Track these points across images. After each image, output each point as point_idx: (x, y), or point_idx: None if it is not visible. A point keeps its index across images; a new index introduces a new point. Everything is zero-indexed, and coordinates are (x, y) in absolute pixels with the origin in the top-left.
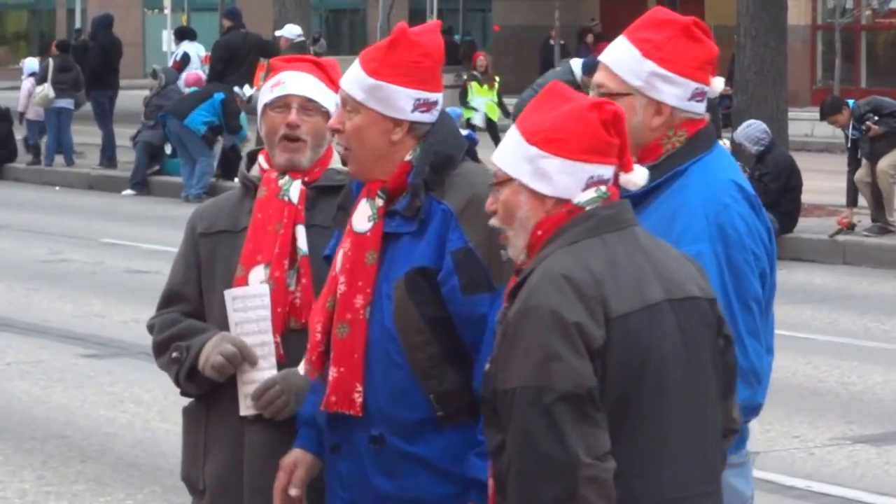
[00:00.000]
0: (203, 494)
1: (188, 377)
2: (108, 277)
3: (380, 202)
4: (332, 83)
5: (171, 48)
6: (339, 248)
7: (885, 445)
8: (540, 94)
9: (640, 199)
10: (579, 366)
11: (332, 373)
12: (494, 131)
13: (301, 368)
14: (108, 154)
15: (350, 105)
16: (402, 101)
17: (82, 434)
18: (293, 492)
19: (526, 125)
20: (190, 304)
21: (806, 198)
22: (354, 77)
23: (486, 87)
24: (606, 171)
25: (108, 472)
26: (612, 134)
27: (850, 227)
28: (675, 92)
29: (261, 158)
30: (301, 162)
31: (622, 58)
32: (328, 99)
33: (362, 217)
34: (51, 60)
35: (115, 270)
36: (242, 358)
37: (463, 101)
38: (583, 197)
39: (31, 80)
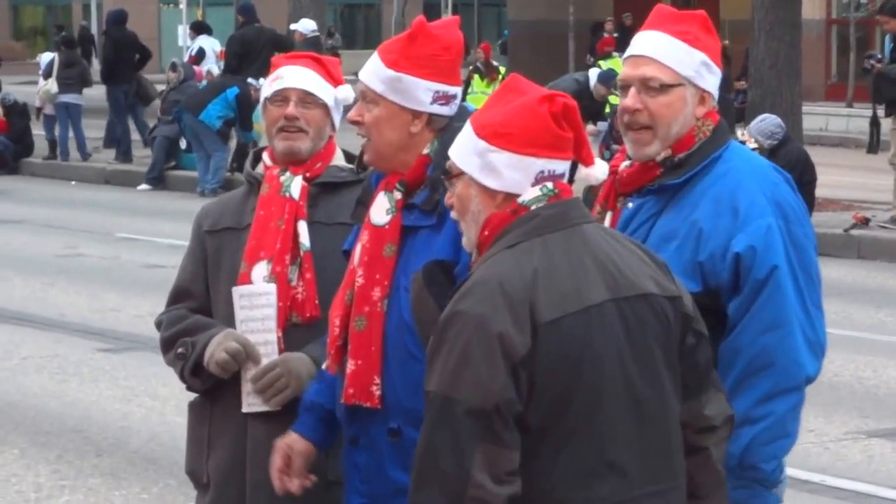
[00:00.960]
0: (207, 488)
1: (193, 373)
2: (123, 272)
3: (398, 195)
4: (332, 78)
5: (187, 43)
6: (358, 242)
7: None
8: (498, 89)
9: (679, 188)
10: (492, 380)
11: (350, 365)
12: None
13: (303, 354)
14: (124, 149)
15: (369, 97)
16: (421, 93)
17: (98, 428)
18: (293, 485)
19: (479, 119)
20: (197, 300)
21: (820, 192)
22: (373, 69)
23: (486, 80)
24: (558, 165)
25: (123, 465)
26: (564, 127)
27: (865, 222)
28: (714, 80)
29: (265, 156)
30: (300, 149)
31: (670, 50)
32: (326, 93)
33: (380, 210)
34: (56, 56)
35: (130, 265)
36: (246, 356)
37: (465, 93)
38: (528, 196)
39: None
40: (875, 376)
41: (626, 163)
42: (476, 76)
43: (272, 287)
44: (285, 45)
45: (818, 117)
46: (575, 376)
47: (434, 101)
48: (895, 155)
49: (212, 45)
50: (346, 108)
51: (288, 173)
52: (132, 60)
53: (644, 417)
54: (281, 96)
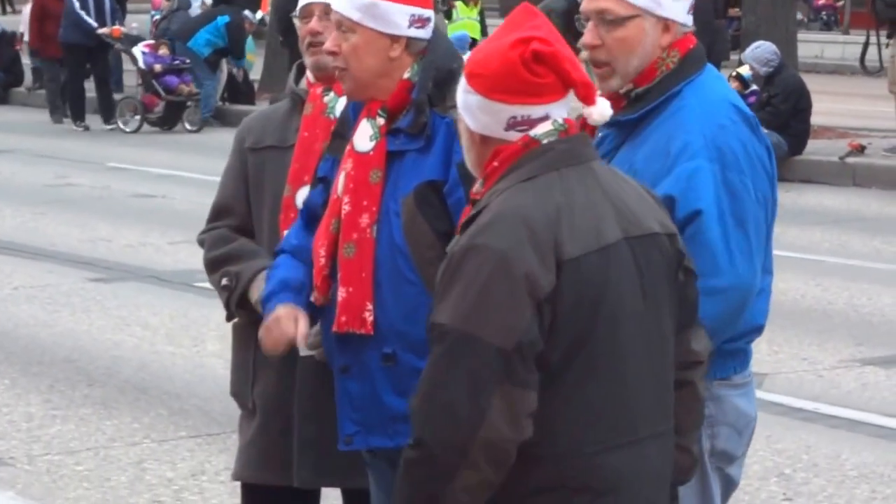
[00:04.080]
0: (253, 413)
1: (239, 304)
2: (114, 202)
3: (381, 121)
4: None
5: None
6: (341, 170)
7: (894, 367)
8: (507, 18)
9: (636, 123)
10: (516, 319)
11: (341, 293)
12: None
13: None
14: (115, 78)
15: (345, 26)
16: (398, 16)
17: (89, 358)
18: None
19: (472, 54)
20: (238, 218)
21: (816, 120)
22: None
23: (470, 5)
24: (535, 110)
25: (114, 395)
26: (539, 73)
27: (861, 150)
28: (678, 6)
29: (309, 72)
30: (328, 63)
31: None
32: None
33: (364, 137)
34: None
35: (121, 195)
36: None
37: (449, 19)
38: (539, 130)
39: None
40: (870, 304)
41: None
42: (460, 3)
43: None
44: None
45: (813, 45)
46: (594, 315)
47: (411, 24)
48: (893, 83)
49: None
50: None
51: (332, 94)
52: None
53: (652, 359)
54: (306, 12)
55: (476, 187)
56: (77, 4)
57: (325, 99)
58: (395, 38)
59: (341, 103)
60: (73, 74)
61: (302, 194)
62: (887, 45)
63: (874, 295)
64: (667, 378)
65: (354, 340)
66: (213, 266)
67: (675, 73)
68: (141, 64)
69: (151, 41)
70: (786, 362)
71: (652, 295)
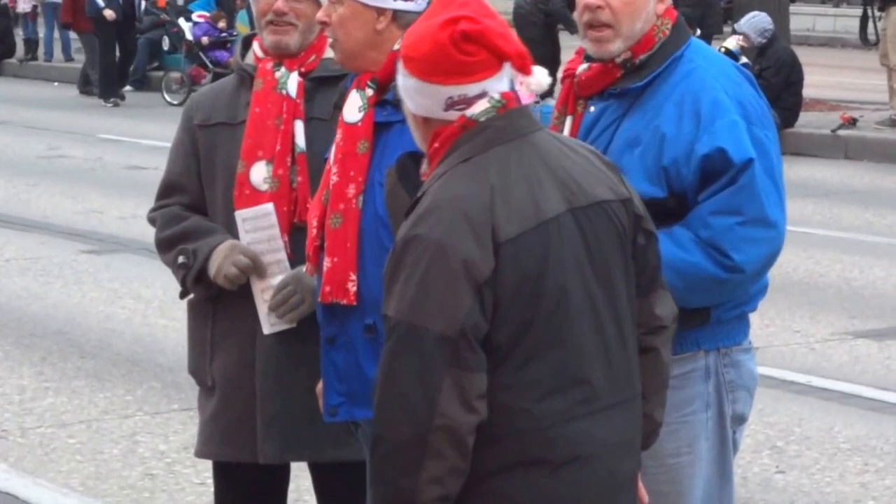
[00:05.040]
0: (212, 390)
1: (196, 281)
2: (106, 173)
3: (370, 92)
4: None
5: None
6: (334, 142)
7: (887, 340)
8: None
9: (643, 90)
10: (456, 307)
11: (327, 263)
12: None
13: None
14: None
15: None
16: None
17: (81, 330)
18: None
19: (406, 34)
20: (190, 195)
21: (807, 92)
22: None
23: None
24: (471, 89)
25: (107, 367)
26: (469, 51)
27: (853, 122)
28: None
29: (255, 45)
30: (289, 44)
31: None
32: None
33: (353, 108)
34: None
35: (113, 166)
36: (255, 269)
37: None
38: (476, 109)
39: None
40: (862, 277)
41: (584, 65)
42: None
43: (270, 207)
44: None
45: (805, 17)
46: (538, 291)
47: None
48: (884, 55)
49: None
50: None
51: (283, 69)
52: None
53: (605, 328)
54: None
55: (423, 168)
56: None
57: (277, 74)
58: (380, 11)
59: (293, 79)
60: (105, 49)
61: (256, 170)
62: (879, 18)
63: (866, 267)
64: (626, 345)
65: (339, 311)
66: (168, 245)
67: (673, 39)
68: (188, 35)
69: (206, 12)
70: (778, 335)
71: (601, 264)
